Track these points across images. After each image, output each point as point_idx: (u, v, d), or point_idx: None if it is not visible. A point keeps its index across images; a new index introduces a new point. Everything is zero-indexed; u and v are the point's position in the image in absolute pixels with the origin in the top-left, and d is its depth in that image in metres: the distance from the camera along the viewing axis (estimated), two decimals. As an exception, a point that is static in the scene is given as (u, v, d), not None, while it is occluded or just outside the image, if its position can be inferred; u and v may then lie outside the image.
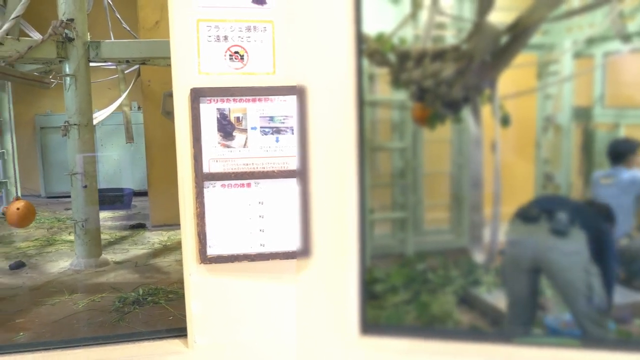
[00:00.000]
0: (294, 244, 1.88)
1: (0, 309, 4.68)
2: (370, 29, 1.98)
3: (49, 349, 2.03)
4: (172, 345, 1.99)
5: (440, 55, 2.23)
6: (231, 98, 1.81)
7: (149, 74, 7.24)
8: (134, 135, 8.20)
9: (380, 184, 2.63)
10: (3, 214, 8.33)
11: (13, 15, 5.07)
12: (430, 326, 2.53)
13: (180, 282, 4.96)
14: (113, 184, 9.37)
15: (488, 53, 2.17)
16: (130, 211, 9.04)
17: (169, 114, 5.85)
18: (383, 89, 2.49)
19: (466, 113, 2.39)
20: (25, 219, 6.09)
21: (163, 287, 4.90)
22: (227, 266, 1.87)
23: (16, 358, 1.98)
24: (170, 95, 5.73)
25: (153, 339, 2.05)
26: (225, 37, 1.81)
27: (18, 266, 5.82)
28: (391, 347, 2.00)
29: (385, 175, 2.67)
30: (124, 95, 7.47)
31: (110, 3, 7.33)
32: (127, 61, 6.39)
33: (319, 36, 1.85)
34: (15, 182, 9.03)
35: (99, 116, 6.79)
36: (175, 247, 6.45)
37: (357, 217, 1.92)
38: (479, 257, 2.55)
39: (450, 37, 2.48)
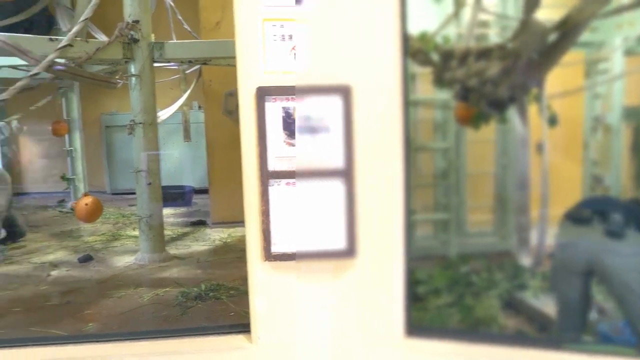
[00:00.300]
0: (339, 244, 1.86)
1: (70, 300, 4.89)
2: (413, 28, 1.96)
3: (118, 340, 2.09)
4: (236, 340, 2.02)
5: (485, 53, 2.18)
6: (295, 97, 1.80)
7: (210, 74, 7.37)
8: (194, 134, 8.40)
9: (422, 184, 2.59)
10: (72, 209, 8.70)
11: (82, 18, 5.25)
12: (476, 330, 2.48)
13: (242, 278, 5.10)
14: (174, 182, 9.59)
15: (535, 51, 2.11)
16: (191, 208, 9.23)
17: (230, 113, 5.96)
18: (425, 89, 2.45)
19: (512, 113, 2.33)
20: (93, 214, 6.35)
21: (224, 284, 4.98)
22: (288, 264, 1.88)
23: (86, 348, 2.06)
24: (231, 94, 5.83)
25: (217, 333, 2.08)
26: (290, 36, 1.81)
27: (86, 259, 6.05)
28: (436, 349, 1.98)
29: (427, 176, 2.63)
30: (186, 95, 7.65)
31: (172, 5, 7.51)
32: (190, 61, 6.55)
33: (364, 35, 1.83)
34: (84, 178, 9.39)
35: (162, 115, 6.98)
36: (235, 245, 6.56)
37: (403, 217, 1.90)
38: (525, 260, 2.48)
39: (494, 36, 2.42)
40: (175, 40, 6.64)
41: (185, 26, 7.55)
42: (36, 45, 5.28)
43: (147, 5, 5.84)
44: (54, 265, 5.94)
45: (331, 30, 1.83)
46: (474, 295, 2.53)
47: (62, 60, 5.41)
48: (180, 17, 7.54)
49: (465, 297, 2.51)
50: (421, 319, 2.25)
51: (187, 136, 8.01)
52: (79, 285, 5.28)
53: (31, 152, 11.13)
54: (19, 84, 4.95)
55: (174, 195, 8.99)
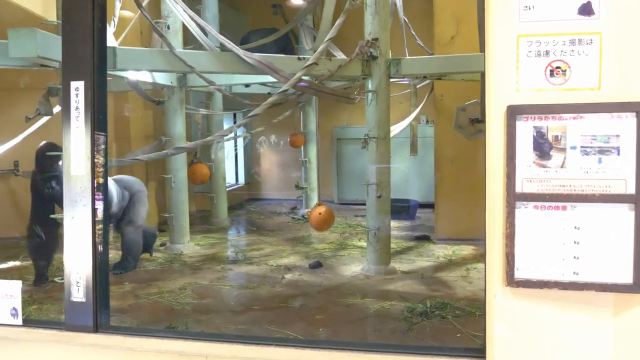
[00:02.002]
0: (614, 276, 1.71)
1: (303, 303, 5.16)
2: None
3: (351, 349, 2.12)
4: (469, 364, 1.96)
5: None
6: (550, 116, 1.74)
7: (442, 89, 7.35)
8: (420, 148, 8.43)
9: None
10: (304, 216, 9.25)
11: (327, 37, 5.57)
12: None
13: (467, 299, 4.96)
14: (399, 195, 9.70)
15: None
16: (415, 222, 9.26)
17: (461, 128, 5.87)
18: None
19: None
20: (325, 223, 6.67)
21: (450, 302, 4.89)
22: (534, 292, 1.80)
23: (321, 354, 2.12)
24: (463, 109, 5.71)
25: (449, 355, 2.04)
26: (547, 52, 1.76)
27: (316, 266, 6.36)
28: None
29: None
30: (418, 110, 7.70)
31: (406, 20, 7.62)
32: (424, 76, 6.59)
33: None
34: (318, 188, 9.93)
35: (394, 129, 7.10)
36: (460, 263, 6.41)
37: None
38: None
39: None
40: (408, 56, 6.71)
41: (419, 41, 7.60)
42: (286, 64, 5.72)
43: (387, 24, 5.98)
44: (288, 268, 6.32)
45: (615, 42, 1.70)
46: None
47: (306, 77, 5.77)
48: (413, 32, 7.61)
49: None
50: None
51: (414, 150, 8.06)
52: (309, 290, 5.55)
53: (270, 162, 12.11)
54: (270, 99, 5.38)
55: (399, 209, 9.08)
